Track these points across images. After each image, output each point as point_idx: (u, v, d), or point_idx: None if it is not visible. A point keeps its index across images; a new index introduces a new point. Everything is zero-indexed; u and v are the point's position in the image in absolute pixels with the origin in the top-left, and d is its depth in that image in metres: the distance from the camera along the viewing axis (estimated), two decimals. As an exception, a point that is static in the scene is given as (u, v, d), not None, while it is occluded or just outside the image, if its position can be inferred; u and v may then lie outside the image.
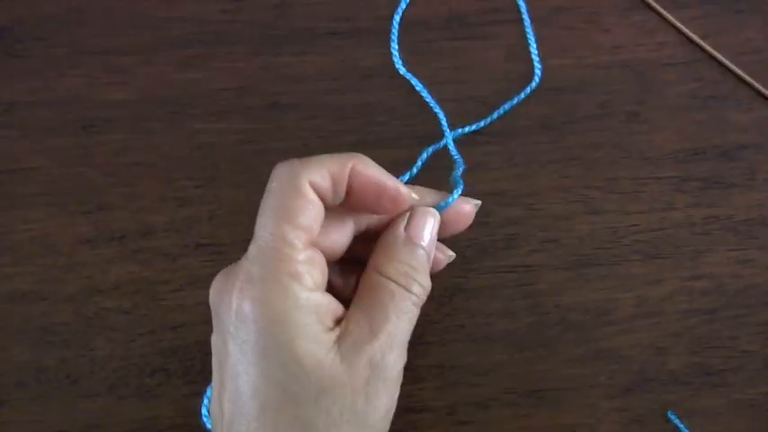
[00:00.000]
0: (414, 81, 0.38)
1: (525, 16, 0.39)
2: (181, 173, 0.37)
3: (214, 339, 0.29)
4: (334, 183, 0.29)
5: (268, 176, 0.38)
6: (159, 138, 0.38)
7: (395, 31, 0.39)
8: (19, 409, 0.35)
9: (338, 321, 0.28)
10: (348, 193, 0.29)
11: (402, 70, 0.38)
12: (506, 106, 0.38)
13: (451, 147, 0.36)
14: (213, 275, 0.28)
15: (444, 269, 0.36)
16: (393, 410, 0.29)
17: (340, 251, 0.30)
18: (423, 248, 0.30)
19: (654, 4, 0.39)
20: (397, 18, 0.39)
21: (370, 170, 0.29)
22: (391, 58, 0.39)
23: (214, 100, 0.38)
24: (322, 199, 0.28)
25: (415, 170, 0.36)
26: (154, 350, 0.35)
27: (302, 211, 0.27)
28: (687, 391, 0.35)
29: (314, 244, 0.28)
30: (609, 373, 0.35)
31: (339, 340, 0.27)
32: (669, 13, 0.39)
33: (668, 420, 0.34)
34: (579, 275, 0.36)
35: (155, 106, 0.38)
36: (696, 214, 0.37)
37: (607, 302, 0.35)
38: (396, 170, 0.37)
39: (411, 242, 0.30)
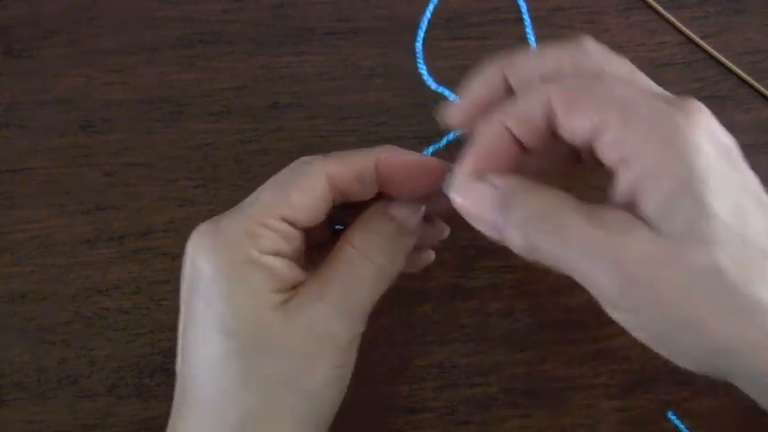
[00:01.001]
0: (437, 86, 0.37)
1: (525, 16, 0.39)
2: (181, 173, 0.37)
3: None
4: (360, 177, 0.29)
5: (268, 176, 0.38)
6: (159, 138, 0.38)
7: (421, 32, 0.38)
8: (19, 409, 0.35)
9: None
10: (382, 184, 0.29)
11: (425, 75, 0.38)
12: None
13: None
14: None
15: (444, 269, 0.36)
16: (342, 385, 0.29)
17: (313, 220, 0.29)
18: (400, 224, 0.30)
19: (654, 4, 0.39)
20: (425, 20, 0.38)
21: (398, 159, 0.29)
22: (390, 58, 0.39)
23: (214, 100, 0.38)
24: (347, 193, 0.29)
25: None
26: (154, 350, 0.35)
27: (300, 191, 0.28)
28: (687, 391, 0.34)
29: (297, 226, 0.28)
30: (609, 373, 0.35)
31: (286, 301, 0.27)
32: (669, 13, 0.39)
33: (668, 420, 0.34)
34: (579, 275, 0.36)
35: (155, 106, 0.38)
36: (696, 214, 0.37)
37: (607, 302, 0.35)
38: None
39: (388, 217, 0.30)
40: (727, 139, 0.26)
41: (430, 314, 0.35)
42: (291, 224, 0.28)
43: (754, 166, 0.37)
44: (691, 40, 0.39)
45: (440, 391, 0.35)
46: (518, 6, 0.39)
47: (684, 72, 0.38)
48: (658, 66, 0.38)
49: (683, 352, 0.27)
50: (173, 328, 0.36)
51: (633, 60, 0.39)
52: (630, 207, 0.25)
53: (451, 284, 0.36)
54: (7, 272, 0.36)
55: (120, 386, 0.35)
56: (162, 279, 0.36)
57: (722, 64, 0.38)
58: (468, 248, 0.36)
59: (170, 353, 0.35)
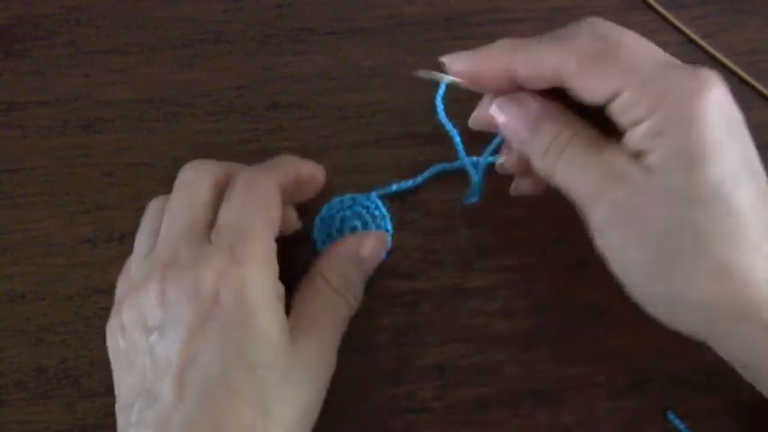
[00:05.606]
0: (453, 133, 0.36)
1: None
2: (181, 173, 0.37)
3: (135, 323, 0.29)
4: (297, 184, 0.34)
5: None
6: (159, 138, 0.38)
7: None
8: (19, 409, 0.35)
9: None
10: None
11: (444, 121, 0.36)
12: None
13: (472, 173, 0.36)
14: (213, 275, 0.28)
15: (444, 269, 0.36)
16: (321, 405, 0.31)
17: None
18: (367, 263, 0.34)
19: (654, 4, 0.39)
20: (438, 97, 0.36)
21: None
22: (390, 58, 0.39)
23: (214, 100, 0.38)
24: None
25: (420, 179, 0.36)
26: (154, 350, 0.35)
27: (276, 206, 0.31)
28: (687, 391, 0.34)
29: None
30: (609, 373, 0.35)
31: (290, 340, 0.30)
32: (669, 13, 0.39)
33: (668, 420, 0.34)
34: (579, 275, 0.36)
35: (155, 106, 0.38)
36: (696, 214, 0.37)
37: (607, 302, 0.35)
38: (397, 170, 0.37)
39: (362, 260, 0.34)
40: (732, 111, 0.28)
41: (430, 314, 0.35)
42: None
43: (754, 166, 0.37)
44: (691, 40, 0.39)
45: (440, 391, 0.35)
46: (518, 6, 0.39)
47: (684, 72, 0.38)
48: (658, 66, 0.38)
49: (656, 299, 0.29)
50: (173, 328, 0.36)
51: (633, 60, 0.39)
52: (634, 156, 0.28)
53: (451, 284, 0.36)
54: (7, 272, 0.36)
55: (120, 386, 0.35)
56: (162, 279, 0.36)
57: (722, 64, 0.38)
58: (469, 248, 0.36)
59: (170, 353, 0.35)
